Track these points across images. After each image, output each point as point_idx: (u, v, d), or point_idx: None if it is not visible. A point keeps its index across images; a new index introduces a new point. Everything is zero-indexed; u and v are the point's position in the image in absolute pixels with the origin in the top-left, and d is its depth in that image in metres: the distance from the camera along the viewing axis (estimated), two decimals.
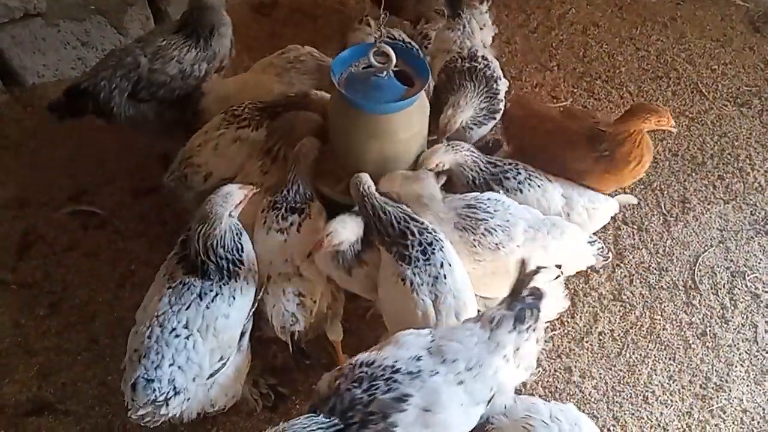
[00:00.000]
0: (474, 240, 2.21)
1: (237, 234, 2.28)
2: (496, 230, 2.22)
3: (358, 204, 2.28)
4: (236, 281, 2.22)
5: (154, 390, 1.99)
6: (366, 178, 2.29)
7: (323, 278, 2.38)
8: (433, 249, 2.18)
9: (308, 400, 2.53)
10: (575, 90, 3.74)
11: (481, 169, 2.44)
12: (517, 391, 2.57)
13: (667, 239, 3.08)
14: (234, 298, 2.19)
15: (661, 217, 3.16)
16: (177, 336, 2.07)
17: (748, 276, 2.95)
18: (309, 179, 2.50)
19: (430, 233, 2.21)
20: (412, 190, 2.27)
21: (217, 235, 2.17)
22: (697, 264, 2.99)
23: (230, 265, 2.21)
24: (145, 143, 3.42)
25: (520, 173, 2.47)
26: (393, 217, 2.21)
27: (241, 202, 2.24)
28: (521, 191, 2.45)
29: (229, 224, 2.22)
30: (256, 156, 2.64)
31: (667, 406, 2.56)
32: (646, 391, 2.60)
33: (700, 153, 3.43)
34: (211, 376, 2.18)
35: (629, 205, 3.18)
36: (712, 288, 2.91)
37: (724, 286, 2.92)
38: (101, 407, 2.55)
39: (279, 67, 2.99)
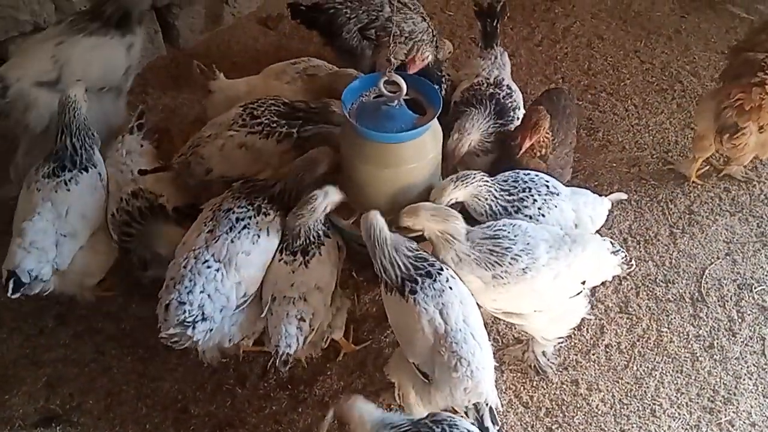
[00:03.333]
0: (502, 272, 2.18)
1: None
2: (521, 256, 2.19)
3: (368, 247, 2.20)
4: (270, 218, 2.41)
5: (185, 312, 2.18)
6: (379, 221, 2.19)
7: (326, 308, 2.38)
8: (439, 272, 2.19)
9: (317, 409, 2.54)
10: (580, 102, 3.74)
11: (495, 197, 2.39)
12: (524, 404, 2.58)
13: (673, 251, 3.08)
14: (259, 237, 2.36)
15: (667, 229, 3.16)
16: (208, 267, 2.27)
17: (755, 288, 2.94)
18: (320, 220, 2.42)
19: (438, 270, 2.19)
20: (437, 228, 2.21)
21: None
22: (704, 276, 2.98)
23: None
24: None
25: (536, 200, 2.42)
26: (400, 268, 2.17)
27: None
28: (543, 216, 2.41)
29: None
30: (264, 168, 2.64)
31: (674, 420, 2.55)
32: (654, 404, 2.59)
33: (706, 165, 3.43)
34: (237, 308, 2.34)
35: (635, 218, 3.19)
36: (719, 300, 2.90)
37: (731, 299, 2.91)
38: (108, 418, 2.56)
39: (290, 76, 3.00)
